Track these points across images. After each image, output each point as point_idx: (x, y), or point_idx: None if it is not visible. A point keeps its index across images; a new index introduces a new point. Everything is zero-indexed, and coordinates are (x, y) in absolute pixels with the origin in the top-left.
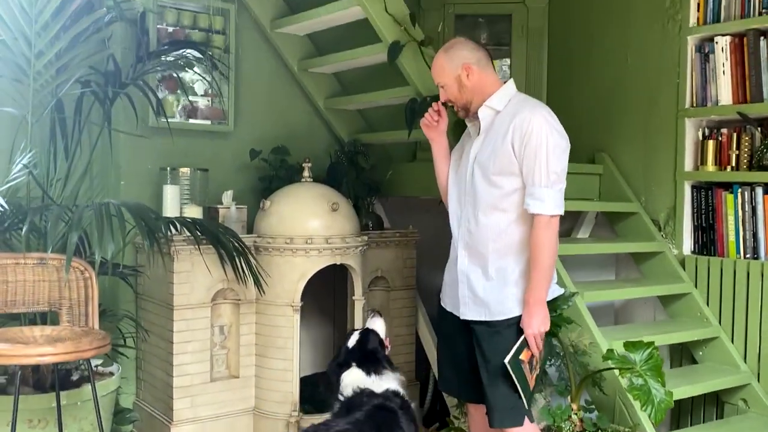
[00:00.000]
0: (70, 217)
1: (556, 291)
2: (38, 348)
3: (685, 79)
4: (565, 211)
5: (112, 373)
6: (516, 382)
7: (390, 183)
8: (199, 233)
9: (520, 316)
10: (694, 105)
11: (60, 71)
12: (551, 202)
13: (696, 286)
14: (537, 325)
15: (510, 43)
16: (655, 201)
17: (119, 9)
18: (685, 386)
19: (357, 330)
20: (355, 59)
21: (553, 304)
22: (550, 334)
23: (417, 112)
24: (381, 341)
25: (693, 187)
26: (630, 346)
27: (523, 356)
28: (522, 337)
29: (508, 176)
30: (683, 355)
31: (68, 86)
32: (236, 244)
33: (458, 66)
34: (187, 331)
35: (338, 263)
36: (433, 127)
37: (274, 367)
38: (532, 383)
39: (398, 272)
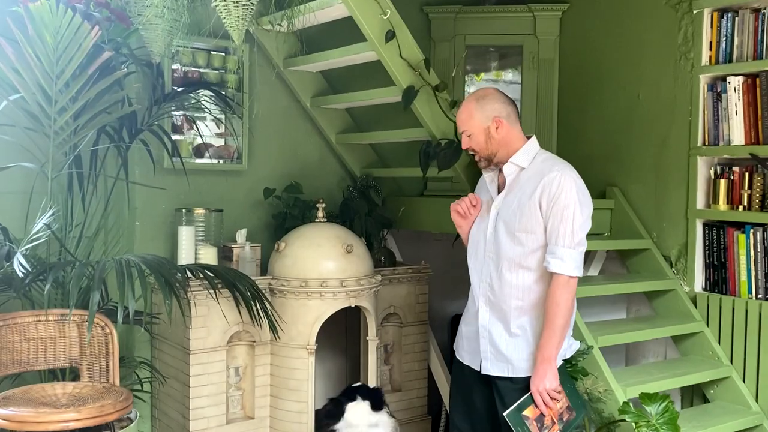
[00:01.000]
0: (90, 273)
1: (573, 345)
2: (62, 414)
3: (697, 117)
4: None
5: (130, 420)
6: None
7: (402, 217)
8: (214, 279)
9: None
10: (707, 143)
11: (79, 124)
12: (572, 263)
13: (707, 324)
14: (543, 382)
15: (521, 74)
16: (666, 237)
17: (135, 58)
18: (697, 430)
19: None
20: (368, 100)
21: (570, 358)
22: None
23: (431, 156)
24: None
25: (705, 224)
26: (646, 398)
27: (529, 413)
28: (528, 393)
29: (533, 234)
30: (694, 393)
31: (87, 138)
32: (251, 289)
33: (489, 118)
34: (203, 375)
35: (353, 305)
36: (464, 216)
37: (289, 409)
38: None
39: (410, 308)
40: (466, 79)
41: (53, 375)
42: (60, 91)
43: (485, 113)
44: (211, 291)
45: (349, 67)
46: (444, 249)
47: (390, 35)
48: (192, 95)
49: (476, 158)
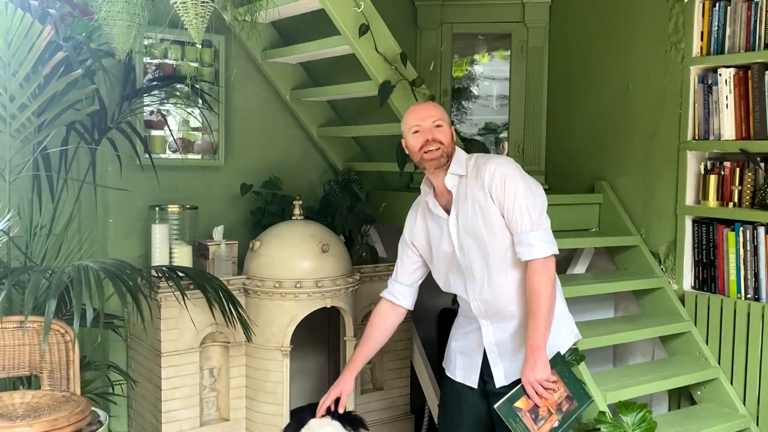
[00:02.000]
0: (48, 279)
1: (575, 332)
2: (14, 429)
3: (687, 110)
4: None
5: (100, 422)
6: (512, 430)
7: (385, 211)
8: (182, 280)
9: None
10: (696, 137)
11: (43, 123)
12: (540, 245)
13: (695, 324)
14: (533, 372)
15: (510, 64)
16: (655, 234)
17: (95, 54)
18: None
19: None
20: (347, 93)
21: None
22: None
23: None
24: None
25: (694, 221)
26: (623, 408)
27: (521, 404)
28: (520, 385)
29: (501, 234)
30: (682, 394)
31: (49, 137)
32: (221, 291)
33: (446, 118)
34: (175, 377)
35: (328, 306)
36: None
37: (264, 411)
38: None
39: None
40: (454, 67)
41: (18, 383)
42: (14, 93)
43: (443, 113)
44: (177, 293)
45: (331, 59)
46: None
47: (364, 29)
48: (164, 90)
49: (438, 155)
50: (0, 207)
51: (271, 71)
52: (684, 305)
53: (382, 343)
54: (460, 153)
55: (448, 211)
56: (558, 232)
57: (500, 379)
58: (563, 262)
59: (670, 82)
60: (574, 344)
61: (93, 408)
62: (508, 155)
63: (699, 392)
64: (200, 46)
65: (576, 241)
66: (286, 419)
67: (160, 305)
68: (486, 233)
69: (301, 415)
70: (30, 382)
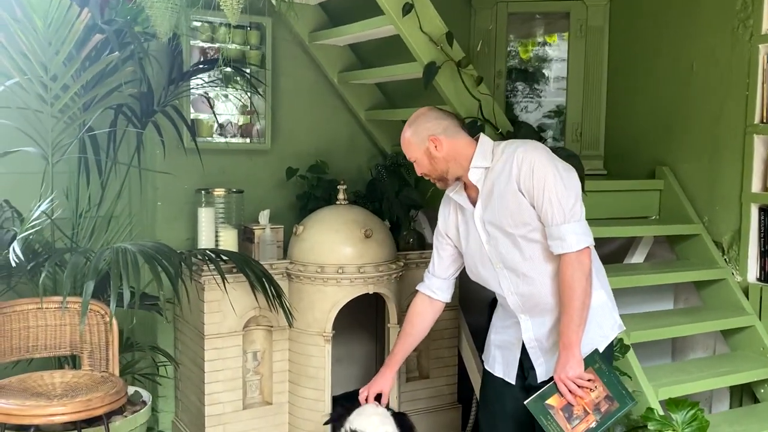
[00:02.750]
0: (88, 261)
1: (615, 327)
2: (49, 408)
3: (755, 91)
4: None
5: (144, 402)
6: (545, 429)
7: (433, 197)
8: (224, 263)
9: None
10: (764, 121)
11: (87, 105)
12: (573, 237)
13: (760, 318)
14: (565, 370)
15: (568, 43)
16: (719, 222)
17: (137, 40)
18: None
19: None
20: (393, 76)
21: (611, 349)
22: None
23: None
24: None
25: (761, 209)
26: (672, 405)
27: (554, 402)
28: (552, 382)
29: (530, 224)
30: (744, 392)
31: (93, 119)
32: (261, 274)
33: (425, 139)
34: (218, 360)
35: (371, 292)
36: None
37: (307, 396)
38: None
39: None
40: (510, 49)
41: (64, 362)
42: (55, 75)
43: (420, 136)
44: (216, 276)
45: (380, 40)
46: None
47: (407, 8)
48: (210, 73)
49: (432, 181)
50: (43, 189)
51: (319, 54)
52: (748, 298)
53: (420, 339)
54: (484, 142)
55: (475, 203)
56: (616, 220)
57: (542, 374)
58: (620, 250)
59: (737, 62)
60: (617, 336)
61: (136, 389)
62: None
63: (762, 390)
64: (232, 26)
65: (634, 229)
66: (328, 405)
67: (203, 288)
68: (516, 225)
69: (345, 402)
70: (74, 361)
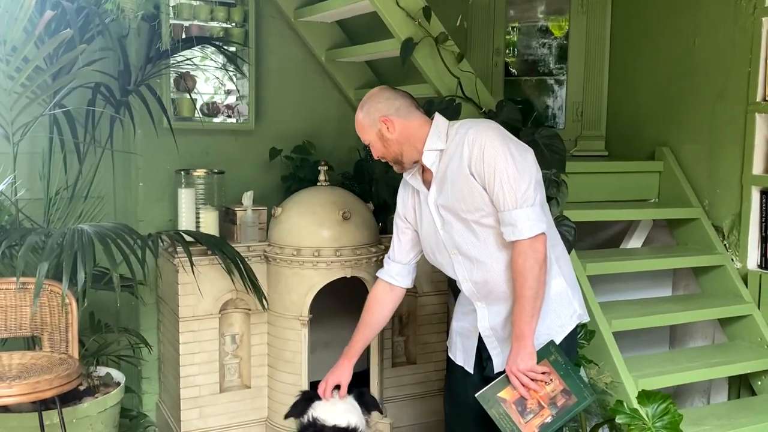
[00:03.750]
0: (42, 243)
1: (575, 316)
2: None
3: (758, 67)
4: None
5: (118, 383)
6: (496, 423)
7: None
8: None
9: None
10: (767, 99)
11: (57, 77)
12: (525, 224)
13: (759, 307)
14: (516, 362)
15: (569, 18)
16: (719, 205)
17: (101, 21)
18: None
19: None
20: (374, 53)
21: (572, 339)
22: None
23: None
24: None
25: (762, 192)
26: (643, 397)
27: (506, 395)
28: (504, 374)
29: (484, 209)
30: (742, 383)
31: (62, 97)
32: (232, 257)
33: (376, 121)
34: (194, 343)
35: (349, 276)
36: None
37: (284, 381)
38: (528, 430)
39: (426, 276)
40: (510, 27)
41: (32, 343)
42: (14, 48)
43: (371, 117)
44: (180, 258)
45: (371, 17)
46: None
47: None
48: (192, 51)
49: (390, 164)
50: (2, 168)
51: (305, 31)
52: (747, 286)
53: (380, 328)
54: (439, 123)
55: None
56: (614, 203)
57: (498, 365)
58: (618, 235)
59: (740, 36)
60: (579, 325)
61: (109, 370)
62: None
63: (759, 382)
64: (215, 3)
65: (631, 212)
66: (305, 388)
67: (177, 270)
68: (469, 210)
69: (308, 395)
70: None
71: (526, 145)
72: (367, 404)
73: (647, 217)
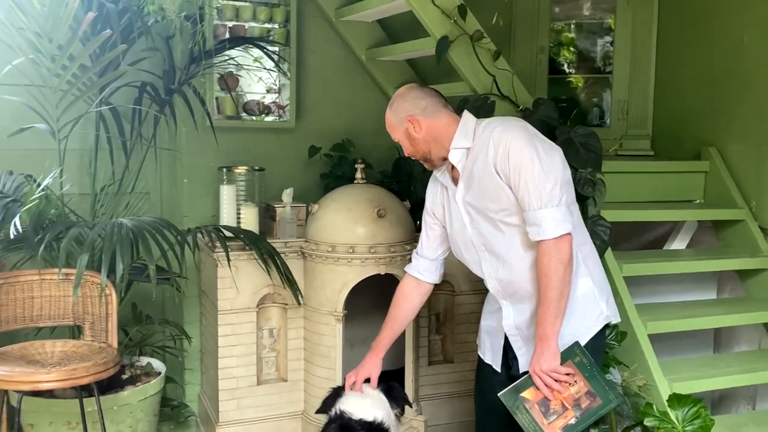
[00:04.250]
0: (84, 236)
1: (602, 318)
2: (35, 375)
3: None
4: None
5: (159, 373)
6: (519, 423)
7: None
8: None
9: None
10: None
11: (102, 75)
12: (550, 223)
13: None
14: (539, 362)
15: (615, 15)
16: (766, 207)
17: (143, 23)
18: None
19: None
20: (410, 52)
21: (599, 340)
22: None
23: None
24: None
25: None
26: (674, 401)
27: (529, 395)
28: (528, 374)
29: (510, 209)
30: None
31: (108, 95)
32: (268, 252)
33: (403, 120)
34: (232, 335)
35: (383, 273)
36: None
37: (320, 375)
38: (549, 430)
39: (465, 275)
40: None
41: (75, 332)
42: (60, 46)
43: (398, 117)
44: (219, 253)
45: (410, 15)
46: None
47: None
48: (235, 51)
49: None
50: (48, 164)
51: (346, 30)
52: None
53: (407, 323)
54: (466, 122)
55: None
56: (658, 203)
57: (523, 365)
58: (664, 236)
59: None
60: (608, 326)
61: (150, 360)
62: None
63: None
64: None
65: (674, 213)
66: (340, 384)
67: (216, 264)
68: (495, 211)
69: (338, 391)
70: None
71: (554, 144)
72: (396, 398)
73: (691, 218)
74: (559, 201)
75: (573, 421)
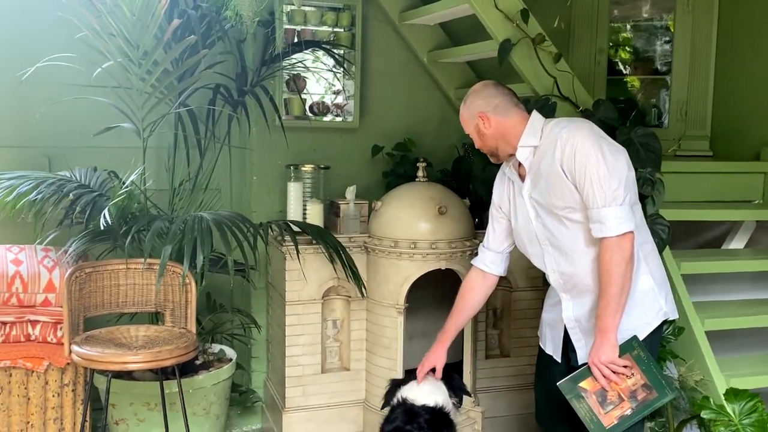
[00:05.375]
0: (167, 228)
1: (660, 314)
2: (123, 356)
3: None
4: None
5: (230, 359)
6: (576, 412)
7: None
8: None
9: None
10: None
11: (177, 82)
12: (613, 221)
13: None
14: (598, 354)
15: (674, 16)
16: None
17: (221, 28)
18: None
19: None
20: (473, 54)
21: (657, 336)
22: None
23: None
24: None
25: None
26: (731, 395)
27: (587, 385)
28: (586, 365)
29: (574, 206)
30: None
31: (186, 96)
32: (333, 246)
33: (474, 116)
34: (298, 325)
35: (443, 267)
36: None
37: (381, 365)
38: (607, 421)
39: (522, 272)
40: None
41: (155, 318)
42: (145, 53)
43: (470, 112)
44: (288, 246)
45: (473, 19)
46: None
47: None
48: (303, 54)
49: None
50: (134, 161)
51: (409, 33)
52: None
53: (472, 314)
54: (534, 122)
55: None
56: (716, 203)
57: (582, 357)
58: (723, 236)
59: None
60: (665, 322)
61: (222, 347)
62: None
63: None
64: (325, 9)
65: (731, 213)
66: (400, 375)
67: (284, 257)
68: (560, 207)
69: (396, 382)
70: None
71: (619, 145)
72: (454, 387)
73: (748, 218)
74: (623, 200)
75: (629, 411)
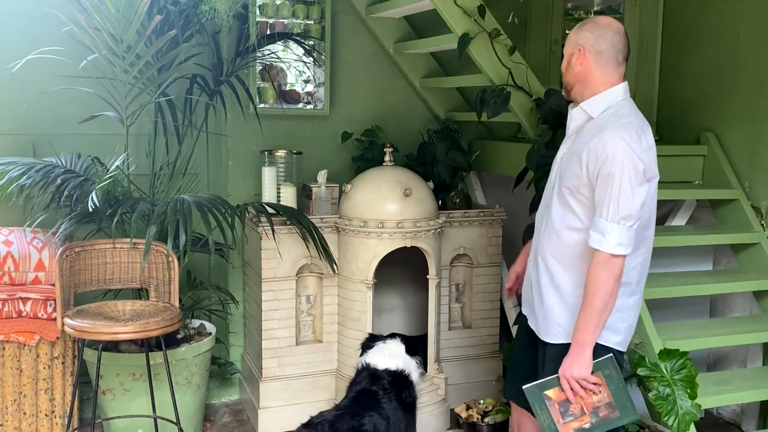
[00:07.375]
0: (150, 210)
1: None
2: (114, 327)
3: None
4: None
5: (210, 333)
6: (536, 417)
7: (483, 160)
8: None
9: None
10: None
11: (159, 73)
12: (614, 240)
13: None
14: (572, 368)
15: (623, 9)
16: (758, 188)
17: (198, 21)
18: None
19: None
20: (436, 46)
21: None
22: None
23: (485, 102)
24: None
25: None
26: (664, 354)
27: (553, 394)
28: (555, 375)
29: (575, 193)
30: None
31: (165, 86)
32: (307, 226)
33: (575, 45)
34: (274, 301)
35: (409, 245)
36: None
37: (352, 337)
38: (563, 430)
39: (482, 249)
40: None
41: (139, 293)
42: (129, 47)
43: (575, 39)
44: (264, 226)
45: (434, 12)
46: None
47: None
48: (276, 45)
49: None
50: (118, 148)
51: (376, 26)
52: None
53: None
54: (610, 93)
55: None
56: (660, 183)
57: (532, 321)
58: (665, 215)
59: None
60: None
61: (202, 321)
62: None
63: None
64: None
65: (675, 192)
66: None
67: (260, 237)
68: (564, 182)
69: (372, 337)
70: (147, 295)
71: (655, 172)
72: (410, 348)
73: (690, 197)
74: (632, 225)
75: (587, 425)
